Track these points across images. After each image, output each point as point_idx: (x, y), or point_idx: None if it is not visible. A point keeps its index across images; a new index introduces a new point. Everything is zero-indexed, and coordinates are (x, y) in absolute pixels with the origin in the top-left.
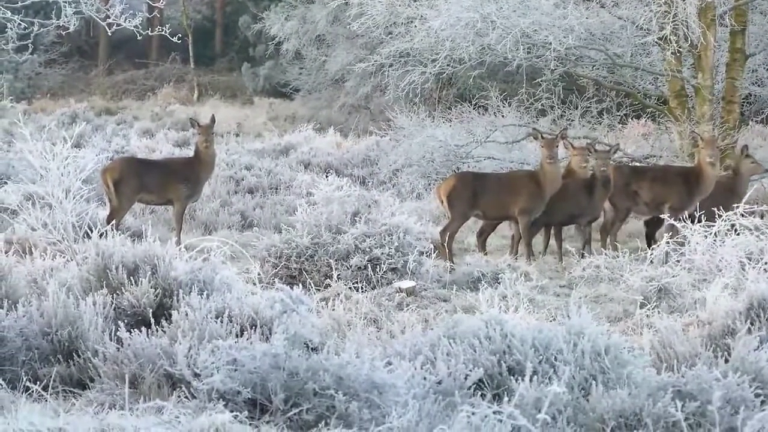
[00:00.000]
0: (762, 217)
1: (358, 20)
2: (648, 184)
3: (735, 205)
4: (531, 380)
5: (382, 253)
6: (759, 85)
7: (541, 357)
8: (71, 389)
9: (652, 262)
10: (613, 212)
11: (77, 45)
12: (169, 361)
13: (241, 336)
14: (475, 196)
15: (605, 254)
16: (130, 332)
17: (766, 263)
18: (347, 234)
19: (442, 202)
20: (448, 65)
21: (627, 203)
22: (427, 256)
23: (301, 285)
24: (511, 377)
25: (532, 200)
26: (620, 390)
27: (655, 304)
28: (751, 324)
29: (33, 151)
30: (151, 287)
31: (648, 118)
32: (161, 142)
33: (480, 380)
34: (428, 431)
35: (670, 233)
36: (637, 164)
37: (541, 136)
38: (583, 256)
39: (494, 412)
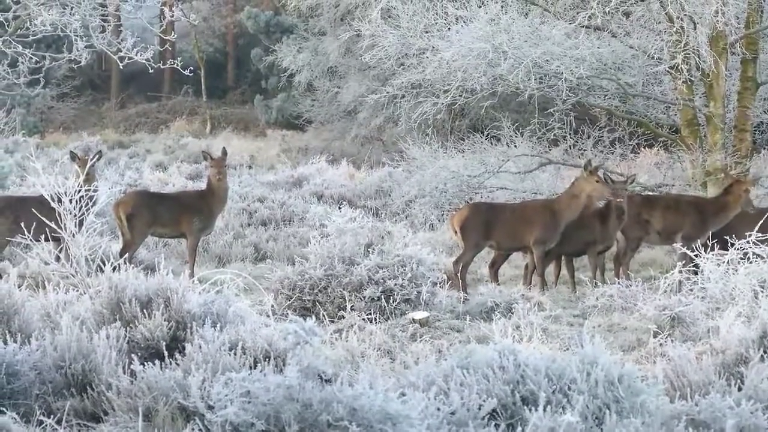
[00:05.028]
0: None
1: (370, 52)
2: (660, 213)
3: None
4: (545, 410)
5: (396, 285)
6: None
7: (554, 386)
8: (85, 423)
9: (665, 291)
10: (625, 242)
11: (89, 78)
12: (183, 394)
13: (255, 368)
14: (489, 226)
15: (618, 283)
16: (144, 365)
17: None
18: (360, 265)
19: (455, 232)
20: (460, 96)
21: (639, 233)
22: (440, 286)
23: (314, 317)
24: (525, 407)
25: (547, 230)
26: (634, 419)
27: (668, 332)
28: (765, 352)
29: (45, 185)
30: (165, 320)
31: (660, 147)
32: (174, 175)
33: (494, 410)
34: None
35: (683, 262)
36: (649, 193)
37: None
38: (596, 285)
39: None
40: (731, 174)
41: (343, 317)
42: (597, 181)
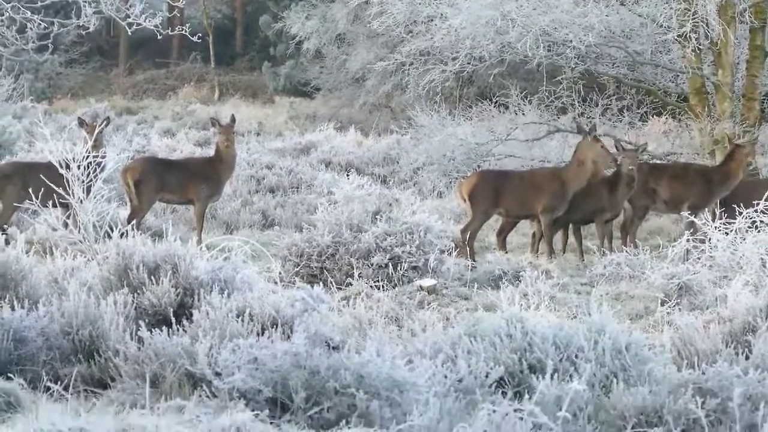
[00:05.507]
0: None
1: (379, 19)
2: (667, 182)
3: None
4: (552, 378)
5: (403, 252)
6: None
7: (561, 355)
8: (92, 389)
9: (673, 259)
10: (632, 210)
11: (97, 45)
12: (190, 361)
13: (262, 335)
14: (497, 194)
15: (626, 252)
16: (151, 332)
17: None
18: (368, 233)
19: (463, 200)
20: (468, 63)
21: (645, 201)
22: (448, 254)
23: (322, 284)
24: (532, 375)
25: (556, 199)
26: (641, 387)
27: (676, 301)
28: None
29: (53, 151)
30: (172, 286)
31: (668, 115)
32: (182, 141)
33: (501, 378)
34: (449, 429)
35: (690, 231)
36: (657, 162)
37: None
38: (603, 253)
39: (515, 410)
40: (732, 140)
41: (351, 284)
42: (601, 147)
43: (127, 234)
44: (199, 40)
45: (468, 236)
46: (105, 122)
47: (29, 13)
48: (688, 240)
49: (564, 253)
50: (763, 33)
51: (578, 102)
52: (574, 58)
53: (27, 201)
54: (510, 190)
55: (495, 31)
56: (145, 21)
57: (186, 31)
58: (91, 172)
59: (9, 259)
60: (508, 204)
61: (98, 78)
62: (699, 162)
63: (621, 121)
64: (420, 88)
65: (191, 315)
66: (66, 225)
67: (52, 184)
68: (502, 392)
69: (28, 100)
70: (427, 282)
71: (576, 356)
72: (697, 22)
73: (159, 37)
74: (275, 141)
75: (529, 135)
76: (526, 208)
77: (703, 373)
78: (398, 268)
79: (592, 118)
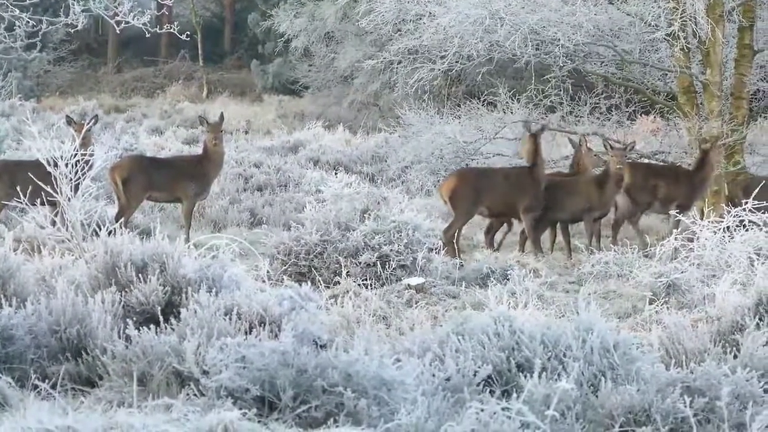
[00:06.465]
0: None
1: (367, 17)
2: (664, 182)
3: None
4: (540, 376)
5: (392, 250)
6: (767, 81)
7: (550, 353)
8: (80, 387)
9: (661, 258)
10: (623, 209)
11: (86, 43)
12: (178, 359)
13: (250, 333)
14: (478, 193)
15: (614, 250)
16: (139, 330)
17: None
18: (356, 231)
19: (445, 201)
20: (456, 62)
21: (647, 198)
22: (436, 252)
23: (310, 282)
24: (520, 374)
25: (536, 197)
26: (629, 386)
27: (664, 300)
28: (760, 320)
29: (41, 149)
30: (160, 285)
31: (657, 114)
32: (170, 139)
33: (489, 377)
34: (437, 428)
35: (678, 229)
36: (651, 162)
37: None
38: (591, 252)
39: (503, 409)
40: (701, 145)
41: (339, 283)
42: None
43: (115, 232)
44: (188, 39)
45: (451, 236)
46: (93, 120)
47: (17, 11)
48: (676, 238)
49: (552, 251)
50: (752, 32)
51: (566, 101)
52: (563, 56)
53: (15, 199)
54: (491, 188)
55: (483, 30)
56: (133, 19)
57: (174, 29)
58: (79, 171)
59: None
60: (489, 202)
61: (86, 76)
62: (679, 162)
63: (609, 120)
64: (408, 87)
65: (179, 313)
66: (54, 223)
67: (40, 182)
68: (490, 391)
69: (16, 98)
70: (415, 280)
71: (564, 355)
72: (686, 21)
73: (147, 35)
74: (263, 139)
75: (518, 133)
76: (508, 206)
77: (691, 372)
78: (386, 267)
79: (580, 116)
